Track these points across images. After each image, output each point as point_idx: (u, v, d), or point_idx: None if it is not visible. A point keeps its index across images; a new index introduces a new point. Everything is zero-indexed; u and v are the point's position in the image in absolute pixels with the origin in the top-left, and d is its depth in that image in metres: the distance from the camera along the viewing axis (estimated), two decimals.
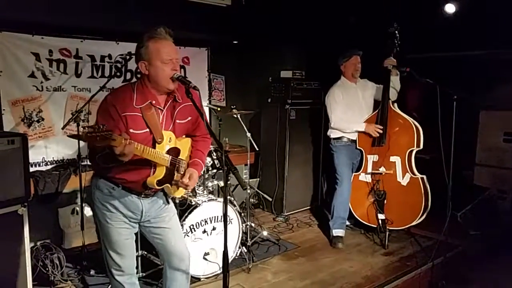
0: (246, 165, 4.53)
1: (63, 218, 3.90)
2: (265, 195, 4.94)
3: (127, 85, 2.25)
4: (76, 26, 3.95)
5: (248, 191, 4.25)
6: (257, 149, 4.37)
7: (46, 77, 3.90)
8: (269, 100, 5.13)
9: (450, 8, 4.74)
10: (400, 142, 4.07)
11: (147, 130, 2.14)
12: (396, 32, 4.02)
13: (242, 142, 5.27)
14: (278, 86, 5.05)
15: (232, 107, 4.16)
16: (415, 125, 4.03)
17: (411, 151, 4.06)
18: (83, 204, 3.62)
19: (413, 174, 4.06)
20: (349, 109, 4.18)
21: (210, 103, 5.09)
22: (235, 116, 4.08)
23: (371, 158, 4.19)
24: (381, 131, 4.02)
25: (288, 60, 5.31)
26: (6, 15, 3.51)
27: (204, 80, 5.18)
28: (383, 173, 4.11)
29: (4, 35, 3.64)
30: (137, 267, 3.25)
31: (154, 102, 2.18)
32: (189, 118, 2.34)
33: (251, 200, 5.15)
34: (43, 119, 3.91)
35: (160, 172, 2.21)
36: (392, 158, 4.10)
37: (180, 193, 2.45)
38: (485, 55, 4.88)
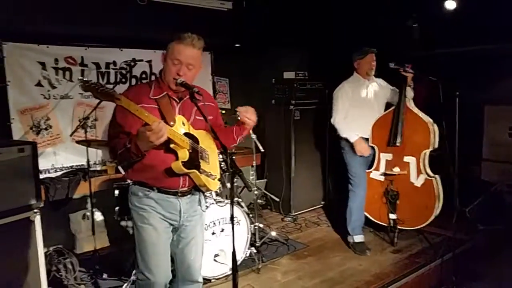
0: (252, 166, 4.56)
1: (74, 223, 3.95)
2: (272, 196, 4.96)
3: (147, 81, 2.31)
4: (80, 34, 4.02)
5: (256, 192, 4.28)
6: (262, 150, 4.39)
7: (52, 85, 3.96)
8: (273, 102, 5.16)
9: (450, 5, 4.74)
10: (416, 142, 3.95)
11: (153, 116, 2.12)
12: (415, 24, 3.88)
13: (247, 143, 5.30)
14: (282, 87, 5.08)
15: (236, 109, 4.18)
16: (432, 125, 3.91)
17: (426, 151, 3.95)
18: (93, 209, 3.67)
19: (428, 175, 3.96)
20: (358, 107, 4.03)
21: None
22: (239, 118, 4.10)
23: (385, 157, 4.07)
24: (367, 154, 3.98)
25: (291, 61, 5.33)
26: (12, 27, 3.59)
27: (208, 83, 5.23)
28: (397, 174, 4.01)
29: (11, 46, 3.71)
30: None
31: (170, 93, 2.26)
32: (210, 117, 2.34)
33: (259, 201, 5.18)
34: (51, 127, 3.97)
35: (183, 155, 2.17)
36: (406, 158, 4.00)
37: (215, 185, 2.41)
38: (488, 50, 4.87)
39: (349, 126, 4.02)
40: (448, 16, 4.72)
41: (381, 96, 4.17)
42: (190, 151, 2.20)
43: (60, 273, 3.23)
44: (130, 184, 2.34)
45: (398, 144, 3.96)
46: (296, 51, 5.32)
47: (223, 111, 4.41)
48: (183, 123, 2.25)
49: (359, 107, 4.04)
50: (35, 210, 2.89)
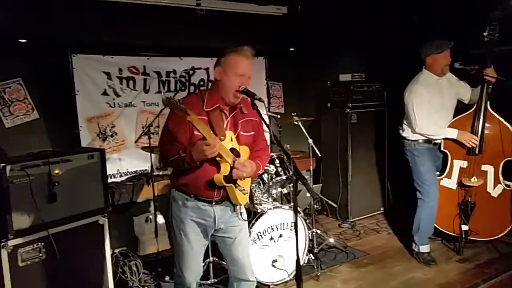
0: (308, 170, 4.52)
1: (138, 226, 4.10)
2: (329, 201, 4.88)
3: (197, 92, 2.45)
4: (142, 44, 4.19)
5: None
6: (319, 155, 4.34)
7: (117, 94, 4.16)
8: (329, 105, 5.08)
9: None
10: (497, 150, 3.66)
11: (211, 132, 2.26)
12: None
13: (302, 147, 5.26)
14: (338, 90, 4.99)
15: (292, 114, 4.18)
16: None
17: (506, 160, 3.69)
18: (156, 212, 3.80)
19: (506, 185, 3.72)
20: (433, 109, 3.68)
21: (269, 110, 5.14)
22: (296, 123, 4.09)
23: (458, 164, 3.79)
24: (477, 142, 3.64)
25: (347, 63, 5.24)
26: (79, 39, 3.82)
27: (263, 88, 5.25)
28: (475, 185, 3.72)
29: (79, 57, 3.93)
30: (208, 273, 3.40)
31: (221, 106, 2.35)
32: (252, 132, 2.50)
33: (315, 206, 5.12)
34: (116, 134, 4.17)
35: (225, 169, 2.29)
36: (485, 167, 3.73)
37: (244, 199, 2.51)
38: None
39: (440, 126, 3.72)
40: None
41: (453, 94, 3.84)
42: (232, 166, 2.29)
43: (125, 275, 3.37)
44: (172, 189, 2.49)
45: (477, 153, 3.69)
46: (352, 52, 5.21)
47: (278, 116, 4.43)
48: (231, 139, 2.35)
49: (435, 109, 3.71)
50: (104, 214, 3.05)
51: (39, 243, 2.69)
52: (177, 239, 2.44)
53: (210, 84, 4.63)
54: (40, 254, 2.70)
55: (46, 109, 3.97)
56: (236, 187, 2.38)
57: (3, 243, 2.53)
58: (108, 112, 4.13)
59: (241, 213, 2.53)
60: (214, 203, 2.39)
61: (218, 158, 2.23)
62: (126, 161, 4.21)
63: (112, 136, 4.16)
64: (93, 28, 3.72)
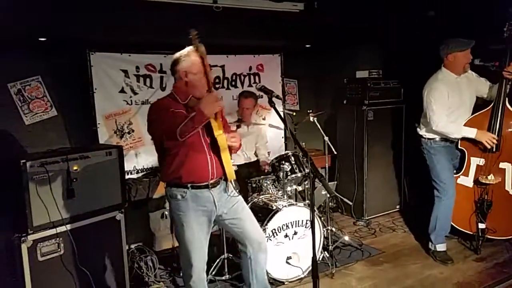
0: (323, 168, 4.49)
1: (154, 222, 4.14)
2: (345, 199, 4.85)
3: (167, 95, 2.66)
4: (159, 42, 4.21)
5: (328, 195, 4.20)
6: (335, 152, 4.31)
7: (134, 91, 4.20)
8: (345, 102, 5.04)
9: None
10: None
11: None
12: None
13: (317, 145, 5.24)
14: (354, 86, 4.94)
15: (308, 111, 4.16)
16: None
17: None
18: None
19: None
20: (453, 108, 3.64)
21: (284, 108, 5.13)
22: (312, 119, 4.08)
23: (475, 161, 3.74)
24: (496, 142, 3.57)
25: (364, 60, 5.18)
26: (98, 38, 3.87)
27: (278, 86, 5.25)
28: (492, 183, 3.66)
29: (97, 55, 3.99)
30: (223, 270, 3.42)
31: (192, 99, 2.53)
32: (220, 119, 2.60)
33: (329, 203, 5.09)
34: (133, 131, 4.22)
35: (220, 131, 2.46)
36: (502, 165, 3.66)
37: (234, 174, 2.60)
38: None
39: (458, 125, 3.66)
40: None
41: (472, 92, 3.77)
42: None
43: (141, 270, 3.42)
44: (166, 187, 2.57)
45: (494, 151, 3.62)
46: (370, 49, 5.15)
47: (294, 113, 4.42)
48: (215, 115, 2.47)
49: (453, 107, 3.66)
50: (121, 210, 3.09)
51: (58, 238, 2.75)
52: (181, 233, 2.51)
53: (225, 81, 4.65)
54: (59, 249, 2.76)
55: (64, 107, 4.04)
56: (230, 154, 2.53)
57: (23, 238, 2.60)
58: (125, 110, 4.18)
59: (234, 189, 2.65)
60: (210, 186, 2.50)
61: (213, 123, 2.41)
62: (143, 158, 4.27)
63: (129, 133, 4.21)
64: (110, 27, 3.76)
